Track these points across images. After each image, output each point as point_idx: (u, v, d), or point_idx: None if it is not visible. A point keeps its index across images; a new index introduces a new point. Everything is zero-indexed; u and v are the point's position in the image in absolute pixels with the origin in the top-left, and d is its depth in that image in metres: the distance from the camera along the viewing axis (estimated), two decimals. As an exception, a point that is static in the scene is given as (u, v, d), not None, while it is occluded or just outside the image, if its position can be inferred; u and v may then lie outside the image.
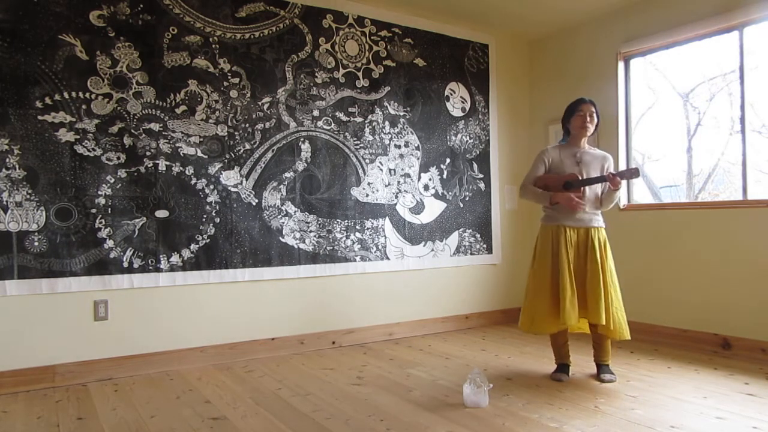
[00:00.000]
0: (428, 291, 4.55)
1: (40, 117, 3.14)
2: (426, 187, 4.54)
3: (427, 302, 4.54)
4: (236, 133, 3.73)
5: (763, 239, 3.56)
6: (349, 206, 4.16)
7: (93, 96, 3.29)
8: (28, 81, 3.11)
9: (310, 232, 3.99)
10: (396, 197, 4.38)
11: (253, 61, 3.80)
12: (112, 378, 3.29)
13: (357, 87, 4.21)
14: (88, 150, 3.27)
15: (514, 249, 5.04)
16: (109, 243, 3.32)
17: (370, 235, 4.25)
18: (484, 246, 4.86)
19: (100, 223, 3.29)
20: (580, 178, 3.06)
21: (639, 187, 4.52)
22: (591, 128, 3.12)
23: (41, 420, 2.61)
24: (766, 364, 3.42)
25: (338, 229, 4.11)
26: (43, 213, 3.15)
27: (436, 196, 4.60)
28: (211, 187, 3.64)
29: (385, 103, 4.34)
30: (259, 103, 3.82)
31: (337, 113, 4.12)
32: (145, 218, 3.42)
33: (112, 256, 3.32)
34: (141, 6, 3.43)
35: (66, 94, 3.21)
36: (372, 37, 4.30)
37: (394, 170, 4.38)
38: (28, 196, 3.11)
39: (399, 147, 4.41)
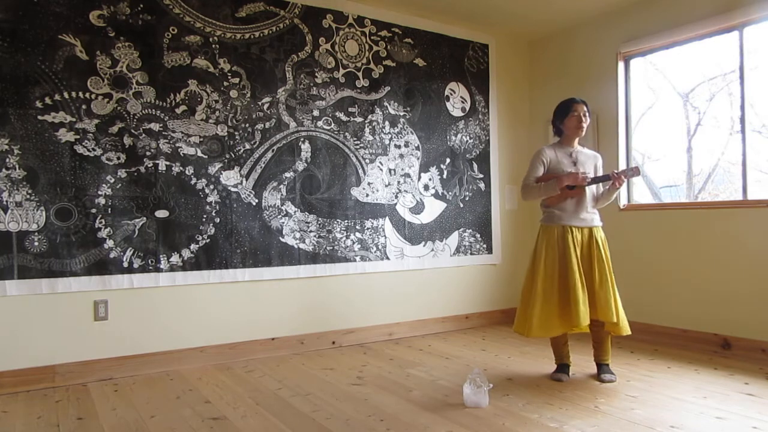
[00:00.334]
0: (428, 291, 4.55)
1: (40, 117, 3.14)
2: (426, 187, 4.54)
3: (427, 302, 4.54)
4: (236, 133, 3.73)
5: (763, 239, 3.55)
6: (349, 206, 4.16)
7: (93, 96, 3.29)
8: (28, 81, 3.11)
9: (310, 232, 3.99)
10: (396, 197, 4.38)
11: (253, 61, 3.80)
12: (112, 378, 3.30)
13: (357, 87, 4.21)
14: (88, 150, 3.27)
15: (514, 249, 5.04)
16: (109, 243, 3.32)
17: (370, 235, 4.25)
18: (484, 246, 4.86)
19: (100, 223, 3.30)
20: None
21: (639, 187, 4.53)
22: (585, 128, 3.14)
23: (41, 420, 2.61)
24: (766, 364, 3.42)
25: (338, 229, 4.11)
26: (43, 213, 3.15)
27: (436, 196, 4.60)
28: (211, 187, 3.64)
29: (385, 103, 4.34)
30: (259, 103, 3.82)
31: (337, 113, 4.12)
32: (145, 218, 3.42)
33: (112, 256, 3.32)
34: (141, 6, 3.43)
35: (66, 94, 3.21)
36: (372, 37, 4.30)
37: (394, 170, 4.38)
38: (28, 196, 3.11)
39: (399, 147, 4.41)
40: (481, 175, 4.86)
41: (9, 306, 3.07)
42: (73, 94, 3.23)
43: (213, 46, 3.66)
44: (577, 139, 3.19)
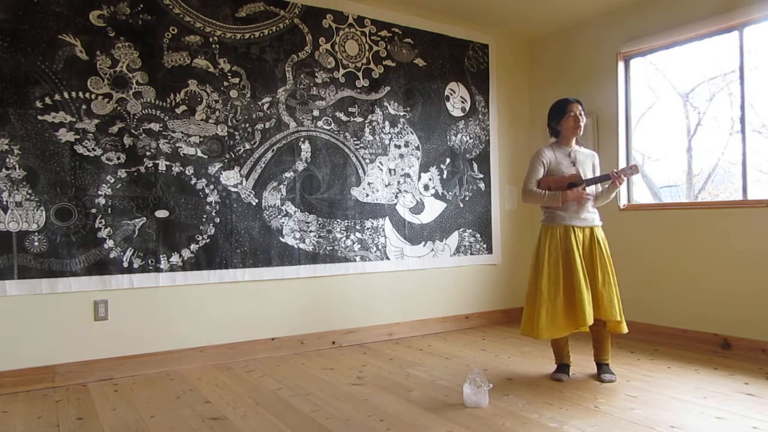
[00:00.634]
0: (428, 291, 4.55)
1: (40, 117, 3.14)
2: (426, 187, 4.54)
3: (427, 302, 4.54)
4: (236, 133, 3.73)
5: (763, 239, 3.55)
6: (349, 206, 4.16)
7: (93, 96, 3.29)
8: (28, 81, 3.11)
9: (310, 232, 3.99)
10: (396, 197, 4.38)
11: (253, 61, 3.80)
12: (112, 378, 3.30)
13: (357, 87, 4.21)
14: (88, 150, 3.27)
15: (514, 249, 5.04)
16: (109, 243, 3.32)
17: (370, 235, 4.25)
18: (484, 246, 4.85)
19: (100, 223, 3.30)
20: (582, 177, 3.08)
21: (639, 187, 4.53)
22: (582, 127, 3.14)
23: (41, 420, 2.61)
24: (766, 364, 3.42)
25: (338, 229, 4.11)
26: (43, 213, 3.15)
27: (436, 196, 4.60)
28: (211, 187, 3.64)
29: (385, 103, 4.34)
30: (259, 103, 3.82)
31: (337, 113, 4.12)
32: (145, 218, 3.42)
33: (112, 256, 3.32)
34: (141, 6, 3.43)
35: (66, 94, 3.21)
36: (372, 37, 4.30)
37: (394, 170, 4.38)
38: (28, 196, 3.11)
39: (399, 147, 4.41)
40: (481, 175, 4.86)
41: (9, 306, 3.07)
42: (73, 94, 3.23)
43: (213, 46, 3.66)
44: (574, 139, 3.19)
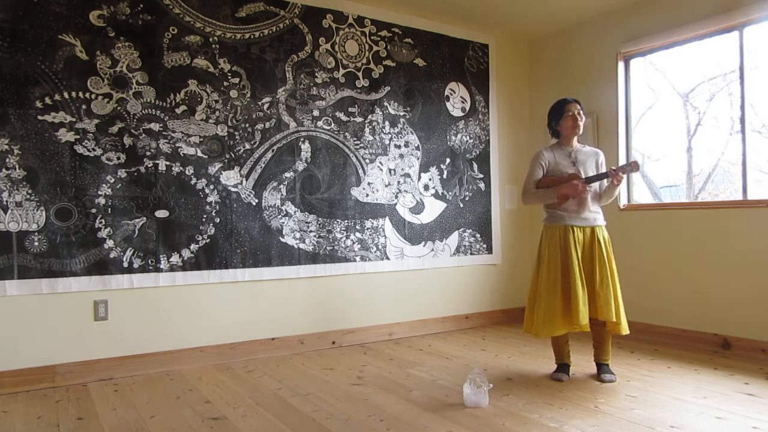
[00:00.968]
0: (428, 291, 4.55)
1: (40, 117, 3.14)
2: (426, 187, 4.54)
3: (427, 302, 4.54)
4: (236, 133, 3.73)
5: (763, 239, 3.55)
6: (349, 206, 4.16)
7: (93, 96, 3.29)
8: (28, 81, 3.11)
9: (310, 232, 3.99)
10: (396, 197, 4.38)
11: (253, 61, 3.80)
12: (112, 378, 3.30)
13: (357, 87, 4.21)
14: (88, 150, 3.27)
15: (514, 249, 5.04)
16: (109, 243, 3.32)
17: (370, 235, 4.25)
18: (484, 246, 4.86)
19: (100, 223, 3.30)
20: (582, 177, 3.08)
21: (639, 187, 4.53)
22: (582, 126, 3.13)
23: (41, 420, 2.61)
24: (766, 364, 3.42)
25: (338, 229, 4.11)
26: (43, 213, 3.15)
27: (436, 196, 4.60)
28: (211, 187, 3.64)
29: (385, 103, 4.34)
30: (259, 103, 3.82)
31: (337, 113, 4.12)
32: (145, 218, 3.42)
33: (112, 256, 3.32)
34: (141, 6, 3.43)
35: (66, 94, 3.21)
36: (372, 37, 4.30)
37: (394, 170, 4.38)
38: (28, 196, 3.11)
39: (399, 147, 4.41)
40: (481, 175, 4.86)
41: (9, 306, 3.07)
42: (73, 94, 3.23)
43: (213, 46, 3.66)
44: (575, 138, 3.19)
